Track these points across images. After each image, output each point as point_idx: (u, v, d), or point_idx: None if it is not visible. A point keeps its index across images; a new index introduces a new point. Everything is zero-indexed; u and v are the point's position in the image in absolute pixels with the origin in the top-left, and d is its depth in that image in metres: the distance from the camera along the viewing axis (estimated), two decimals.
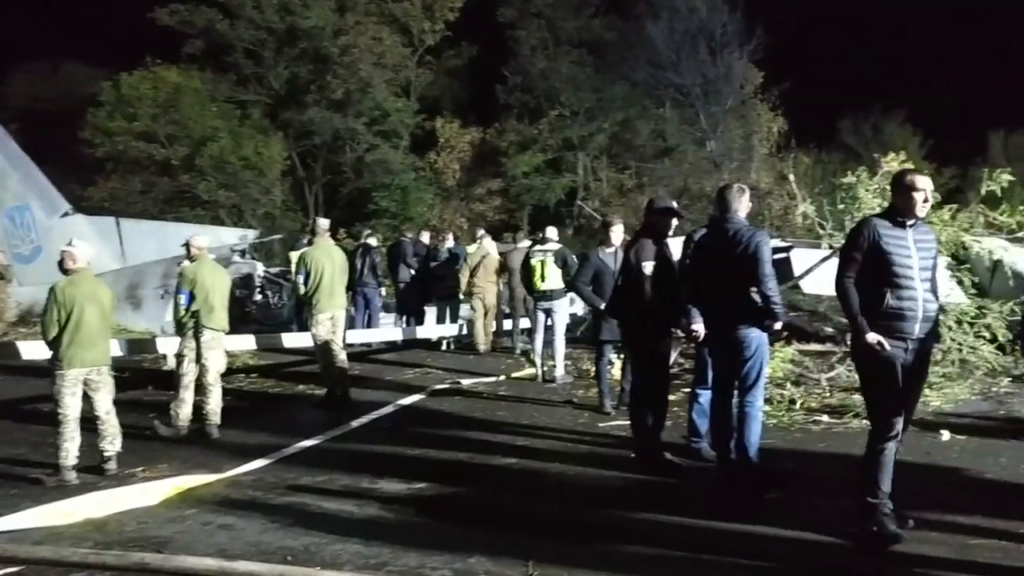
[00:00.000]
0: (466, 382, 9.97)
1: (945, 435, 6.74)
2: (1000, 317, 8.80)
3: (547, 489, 5.78)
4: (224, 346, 7.86)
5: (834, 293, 10.55)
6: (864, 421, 7.21)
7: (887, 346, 4.45)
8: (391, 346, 13.23)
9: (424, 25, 32.77)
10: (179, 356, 7.62)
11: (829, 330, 11.58)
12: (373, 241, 14.13)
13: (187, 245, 7.88)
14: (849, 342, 4.80)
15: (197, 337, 7.47)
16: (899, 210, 4.61)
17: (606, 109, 32.73)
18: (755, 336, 5.41)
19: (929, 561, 4.26)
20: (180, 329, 7.61)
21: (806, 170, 28.69)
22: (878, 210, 8.29)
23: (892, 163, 8.35)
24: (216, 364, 7.56)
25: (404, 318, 13.93)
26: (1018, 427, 7.19)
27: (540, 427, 7.63)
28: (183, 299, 7.48)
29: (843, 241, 8.81)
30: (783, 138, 31.68)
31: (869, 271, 4.52)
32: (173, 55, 30.83)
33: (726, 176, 27.30)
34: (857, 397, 7.95)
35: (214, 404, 7.42)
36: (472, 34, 33.73)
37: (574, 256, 10.62)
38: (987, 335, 8.77)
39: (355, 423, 7.81)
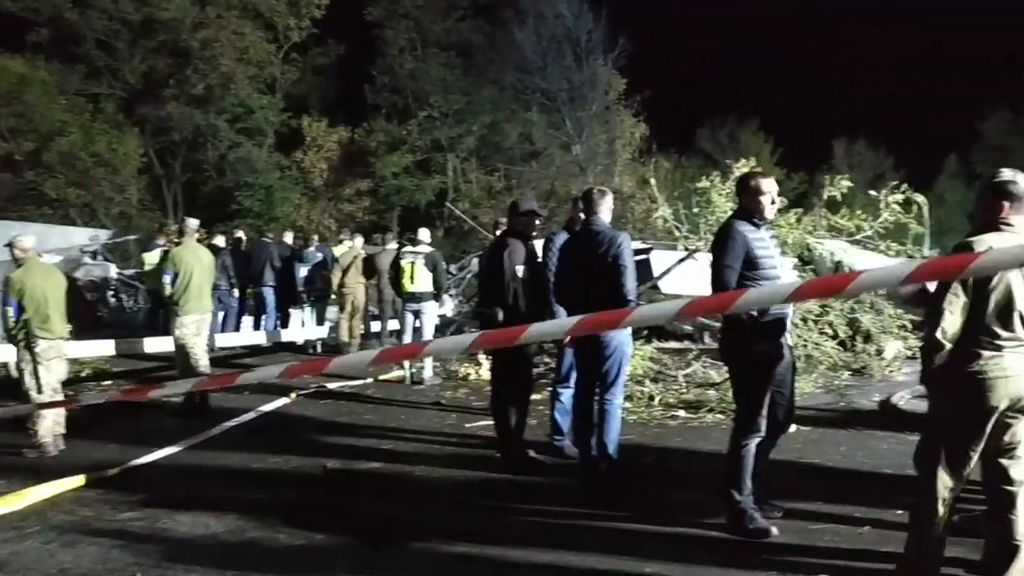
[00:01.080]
0: (332, 385, 9.81)
1: (791, 427, 7.11)
2: (841, 315, 9.40)
3: (412, 492, 5.76)
4: (65, 354, 7.29)
5: (691, 293, 10.99)
6: (718, 415, 7.60)
7: (778, 348, 4.64)
8: (254, 350, 12.87)
9: (290, 21, 32.04)
10: (19, 368, 7.09)
11: (688, 328, 12.09)
12: (220, 241, 13.74)
13: (11, 247, 7.04)
14: (728, 345, 4.87)
15: (31, 348, 6.82)
16: (752, 212, 4.73)
17: (475, 112, 32.94)
18: (614, 336, 5.57)
19: (773, 548, 4.49)
20: (12, 341, 6.96)
21: (667, 174, 29.82)
22: (730, 213, 8.75)
23: (743, 169, 8.76)
24: (56, 374, 7.04)
25: (269, 320, 13.58)
26: (857, 417, 7.71)
27: (407, 430, 7.60)
28: (11, 311, 6.75)
29: (700, 243, 9.34)
30: (645, 143, 32.78)
31: (745, 275, 4.59)
32: (17, 44, 28.92)
33: (591, 179, 27.99)
34: (712, 393, 8.34)
35: (56, 415, 6.92)
36: (340, 32, 33.27)
37: (443, 262, 10.67)
38: (830, 332, 9.35)
39: (215, 431, 7.54)
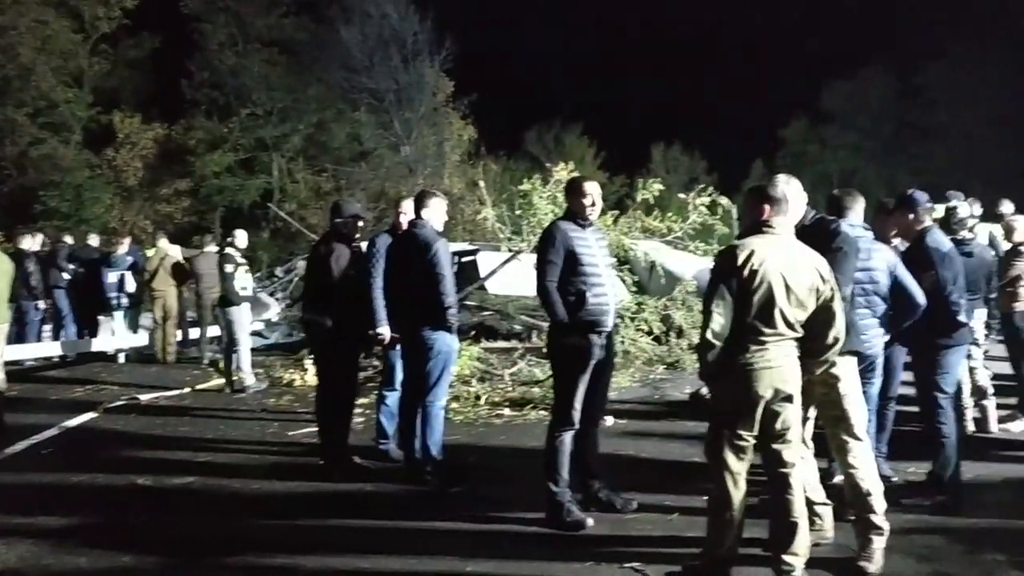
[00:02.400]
0: (145, 397, 9.29)
1: (609, 420, 7.39)
2: (655, 312, 9.87)
3: (228, 507, 5.54)
4: None
5: (518, 293, 11.20)
6: (541, 412, 7.78)
7: (596, 343, 4.80)
8: (60, 361, 12.00)
9: (98, 11, 29.97)
10: None
11: (518, 328, 12.31)
12: (29, 244, 12.70)
13: None
14: (547, 340, 5.07)
15: None
16: (575, 213, 4.96)
17: (300, 110, 32.14)
18: (437, 337, 5.60)
19: (589, 539, 4.66)
20: None
21: (495, 177, 30.21)
22: (550, 215, 9.01)
23: (562, 172, 9.04)
24: None
25: (68, 329, 12.67)
26: (670, 409, 8.12)
27: (225, 440, 7.31)
28: None
29: (523, 245, 9.55)
30: (473, 146, 33.12)
31: (566, 272, 4.77)
32: None
33: (421, 181, 27.95)
34: (536, 390, 8.53)
35: None
36: (154, 24, 31.50)
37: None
38: (645, 328, 9.80)
39: (9, 451, 6.96)
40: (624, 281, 9.87)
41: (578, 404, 4.82)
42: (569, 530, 4.76)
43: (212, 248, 11.91)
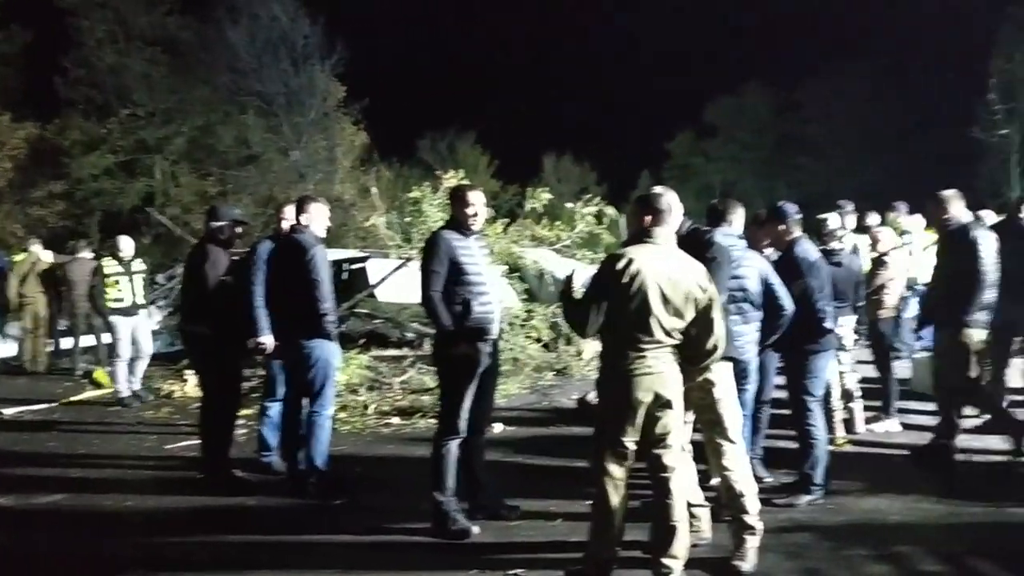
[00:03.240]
0: (9, 411, 8.77)
1: (498, 427, 7.44)
2: (545, 319, 9.98)
3: (100, 525, 5.29)
4: None
5: (408, 300, 11.09)
6: (431, 420, 7.75)
7: (482, 351, 4.81)
8: None
9: None
10: None
11: (410, 335, 12.22)
12: None
13: None
14: (434, 349, 5.06)
15: None
16: (460, 222, 4.95)
17: (185, 112, 31.02)
18: (315, 346, 5.51)
19: (474, 548, 4.67)
20: None
21: (388, 184, 29.96)
22: (440, 223, 8.98)
23: (451, 180, 9.04)
24: None
25: None
26: (558, 416, 8.22)
27: (99, 456, 6.99)
28: None
29: (413, 252, 9.50)
30: (366, 152, 32.72)
31: (450, 281, 4.77)
32: None
33: (311, 186, 27.43)
34: (426, 398, 8.49)
35: None
36: (26, 18, 29.86)
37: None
38: (535, 335, 9.89)
39: None
40: (514, 289, 9.95)
41: (464, 413, 4.82)
42: (455, 538, 4.75)
43: (86, 254, 11.38)
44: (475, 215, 4.97)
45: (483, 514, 5.04)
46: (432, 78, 45.82)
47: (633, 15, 49.97)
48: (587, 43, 50.40)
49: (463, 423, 4.83)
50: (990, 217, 7.94)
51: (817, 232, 6.46)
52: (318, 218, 5.78)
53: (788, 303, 5.07)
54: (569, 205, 9.91)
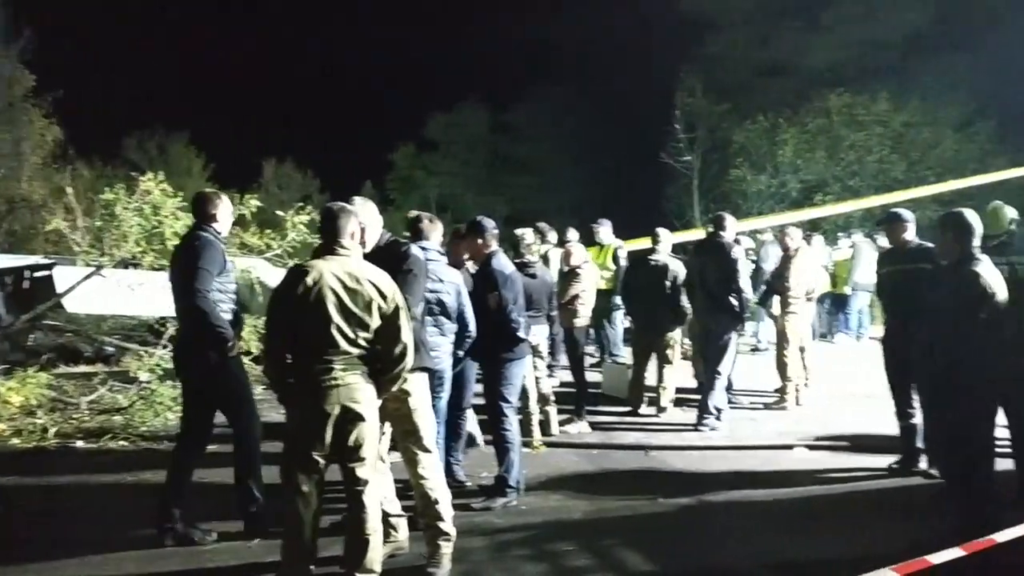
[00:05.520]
0: None
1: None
2: (255, 331, 9.58)
3: None
4: None
5: (108, 311, 10.22)
6: (123, 442, 7.20)
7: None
8: None
9: None
10: None
11: (110, 349, 11.23)
12: None
13: None
14: (203, 355, 4.78)
15: None
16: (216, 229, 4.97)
17: None
18: None
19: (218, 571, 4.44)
20: None
21: (89, 184, 27.39)
22: (136, 228, 8.38)
23: (150, 183, 8.44)
24: None
25: None
26: (266, 431, 7.89)
27: None
28: None
29: (103, 259, 8.72)
30: (60, 148, 29.70)
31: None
32: None
33: None
34: (118, 418, 7.85)
35: None
36: None
37: None
38: (243, 347, 9.44)
39: None
40: None
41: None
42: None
43: None
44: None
45: (173, 539, 4.76)
46: (142, 73, 42.57)
47: (362, 26, 49.79)
48: (315, 49, 49.45)
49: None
50: (694, 236, 8.96)
51: (514, 246, 6.84)
52: None
53: (471, 323, 5.32)
54: (279, 213, 9.60)
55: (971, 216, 4.72)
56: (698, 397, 7.89)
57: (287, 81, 47.55)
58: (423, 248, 4.84)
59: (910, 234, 6.10)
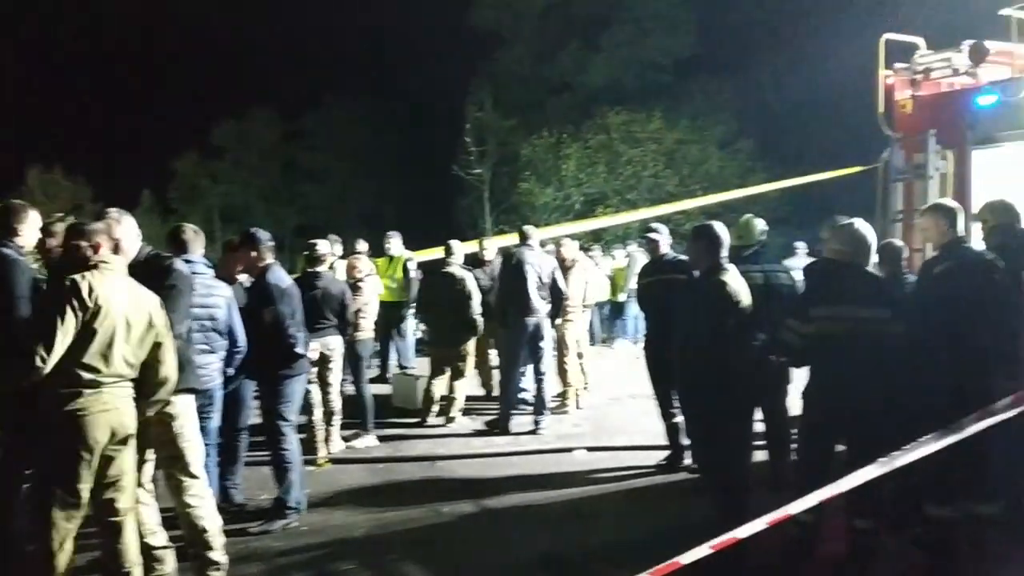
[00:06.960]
0: None
1: None
2: None
3: None
4: None
5: None
6: None
7: None
8: None
9: None
10: None
11: None
12: None
13: None
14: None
15: None
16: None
17: None
18: None
19: None
20: None
21: None
22: None
23: None
24: None
25: None
26: None
27: None
28: None
29: None
30: None
31: None
32: None
33: None
34: None
35: None
36: None
37: None
38: None
39: None
40: None
41: None
42: None
43: None
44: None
45: None
46: None
47: (144, 21, 46.48)
48: (84, 44, 45.60)
49: None
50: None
51: (307, 257, 6.72)
52: None
53: (242, 339, 5.13)
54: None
55: (719, 228, 5.03)
56: (485, 405, 8.06)
57: (52, 82, 43.68)
58: (188, 261, 4.58)
59: (664, 247, 6.60)
